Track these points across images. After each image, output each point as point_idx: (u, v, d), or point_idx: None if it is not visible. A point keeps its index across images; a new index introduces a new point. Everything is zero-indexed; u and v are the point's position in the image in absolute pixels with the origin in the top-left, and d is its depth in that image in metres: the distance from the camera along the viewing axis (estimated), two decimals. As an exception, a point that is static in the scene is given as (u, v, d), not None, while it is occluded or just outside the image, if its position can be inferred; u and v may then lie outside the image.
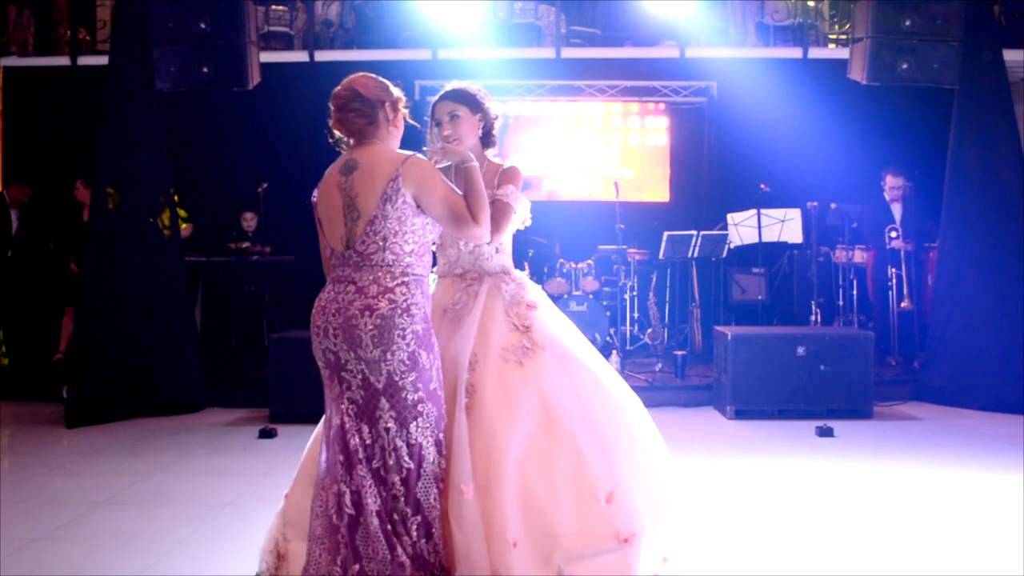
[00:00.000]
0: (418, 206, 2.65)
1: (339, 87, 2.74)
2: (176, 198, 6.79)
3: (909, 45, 6.61)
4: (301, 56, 8.75)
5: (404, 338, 2.58)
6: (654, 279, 8.34)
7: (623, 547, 2.56)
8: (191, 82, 6.64)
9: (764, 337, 6.22)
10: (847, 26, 8.83)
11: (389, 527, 2.53)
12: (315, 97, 8.44)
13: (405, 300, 2.61)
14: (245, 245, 8.21)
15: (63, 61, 8.80)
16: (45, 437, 5.79)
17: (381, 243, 2.61)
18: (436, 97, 3.05)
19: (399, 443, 2.55)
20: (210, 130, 8.73)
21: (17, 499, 4.29)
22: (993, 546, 3.55)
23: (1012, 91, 6.94)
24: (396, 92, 2.77)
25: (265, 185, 7.93)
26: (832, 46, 9.20)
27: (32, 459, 5.21)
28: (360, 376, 2.59)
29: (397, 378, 2.57)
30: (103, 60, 7.61)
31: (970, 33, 6.59)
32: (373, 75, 2.78)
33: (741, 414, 6.09)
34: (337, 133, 2.76)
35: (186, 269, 6.94)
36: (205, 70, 6.58)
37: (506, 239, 3.02)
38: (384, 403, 2.57)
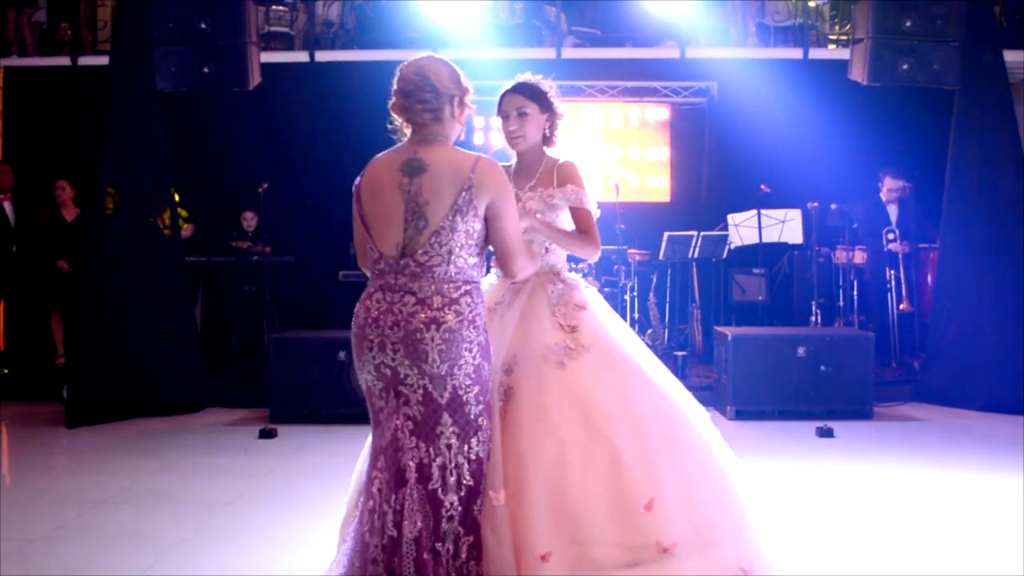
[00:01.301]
0: (485, 216, 2.44)
1: (408, 68, 2.47)
2: (176, 198, 6.79)
3: (909, 46, 6.61)
4: (301, 56, 8.73)
5: (471, 351, 2.41)
6: (654, 280, 8.33)
7: (662, 557, 2.39)
8: (191, 82, 6.65)
9: (764, 338, 6.22)
10: (847, 27, 8.83)
11: (428, 556, 2.34)
12: (315, 97, 8.55)
13: (471, 311, 2.42)
14: (245, 245, 8.21)
15: (63, 61, 8.79)
16: (45, 437, 5.79)
17: (446, 255, 2.39)
18: (507, 87, 2.89)
19: (460, 460, 2.38)
20: (210, 130, 8.72)
21: (17, 499, 4.29)
22: (993, 546, 3.55)
23: (1012, 91, 6.95)
24: (466, 83, 2.53)
25: (265, 185, 7.93)
26: (832, 47, 9.20)
27: (32, 459, 5.21)
28: (421, 391, 2.39)
29: (462, 392, 2.39)
30: (103, 60, 7.61)
31: (970, 33, 6.59)
32: (447, 61, 2.52)
33: (741, 415, 6.09)
34: (396, 119, 2.51)
35: (186, 269, 6.93)
36: (205, 70, 6.58)
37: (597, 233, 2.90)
38: (446, 418, 2.39)
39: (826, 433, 5.51)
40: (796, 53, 8.71)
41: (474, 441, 2.40)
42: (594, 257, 2.91)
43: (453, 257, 2.40)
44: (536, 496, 2.44)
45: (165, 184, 6.55)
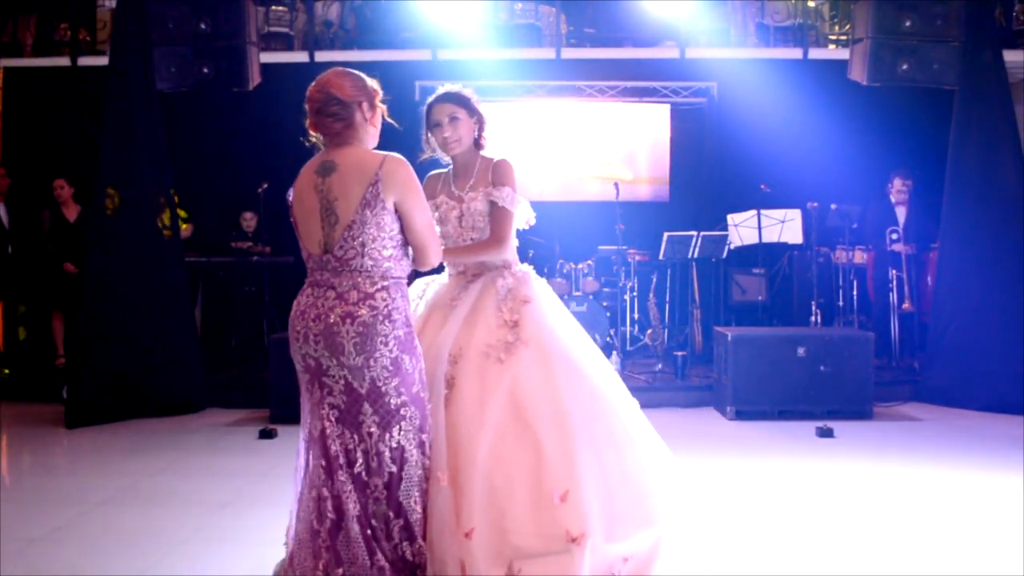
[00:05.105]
0: (396, 211, 2.61)
1: (314, 87, 2.66)
2: (176, 198, 6.78)
3: (909, 46, 6.61)
4: (301, 56, 8.74)
5: (386, 344, 2.57)
6: (654, 280, 8.33)
7: (571, 547, 2.57)
8: (191, 82, 6.65)
9: (764, 338, 6.22)
10: (847, 27, 8.83)
11: (369, 532, 2.55)
12: (315, 97, 8.51)
13: (386, 306, 2.59)
14: (245, 245, 8.21)
15: (63, 61, 8.79)
16: (45, 437, 5.78)
17: (360, 248, 2.57)
18: (432, 99, 3.10)
19: (381, 447, 2.56)
20: (210, 130, 8.72)
21: (17, 499, 4.29)
22: (993, 546, 3.55)
23: (1012, 91, 6.94)
24: (372, 85, 2.70)
25: (265, 185, 7.94)
26: (832, 47, 9.20)
27: (32, 459, 5.21)
28: (342, 382, 2.58)
29: (380, 384, 2.57)
30: (103, 60, 7.61)
31: (970, 33, 6.59)
32: (348, 72, 2.70)
33: (741, 415, 6.09)
34: (313, 135, 2.70)
35: (186, 269, 6.93)
36: (205, 70, 6.59)
37: (510, 234, 3.06)
38: (367, 408, 2.57)
39: (826, 433, 5.52)
40: (796, 53, 8.72)
41: (395, 430, 2.58)
42: (499, 255, 3.02)
43: (366, 250, 2.57)
44: (470, 482, 2.63)
45: (165, 184, 6.54)
